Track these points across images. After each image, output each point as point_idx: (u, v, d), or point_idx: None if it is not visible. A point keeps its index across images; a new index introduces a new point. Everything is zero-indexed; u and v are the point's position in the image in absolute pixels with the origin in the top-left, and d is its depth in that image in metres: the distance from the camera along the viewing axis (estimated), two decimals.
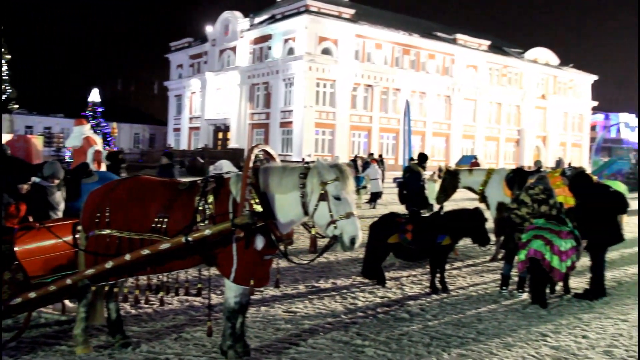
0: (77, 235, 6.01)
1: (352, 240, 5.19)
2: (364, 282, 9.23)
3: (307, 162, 5.55)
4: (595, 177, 10.30)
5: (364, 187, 19.87)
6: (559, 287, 8.86)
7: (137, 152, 59.37)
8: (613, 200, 9.05)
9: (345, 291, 8.75)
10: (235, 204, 5.35)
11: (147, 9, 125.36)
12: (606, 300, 8.58)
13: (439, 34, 59.56)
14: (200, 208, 5.46)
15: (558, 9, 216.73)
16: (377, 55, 52.64)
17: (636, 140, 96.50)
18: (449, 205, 11.58)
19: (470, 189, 12.32)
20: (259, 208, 5.25)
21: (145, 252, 5.30)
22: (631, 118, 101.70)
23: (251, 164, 5.34)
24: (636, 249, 13.21)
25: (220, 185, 5.59)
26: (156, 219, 5.48)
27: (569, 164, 42.78)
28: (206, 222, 5.38)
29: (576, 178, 9.41)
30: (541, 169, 13.64)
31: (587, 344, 6.66)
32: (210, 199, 5.48)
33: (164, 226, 5.46)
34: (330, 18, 49.91)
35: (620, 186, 15.44)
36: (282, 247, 5.54)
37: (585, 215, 8.59)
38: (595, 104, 73.62)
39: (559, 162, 46.30)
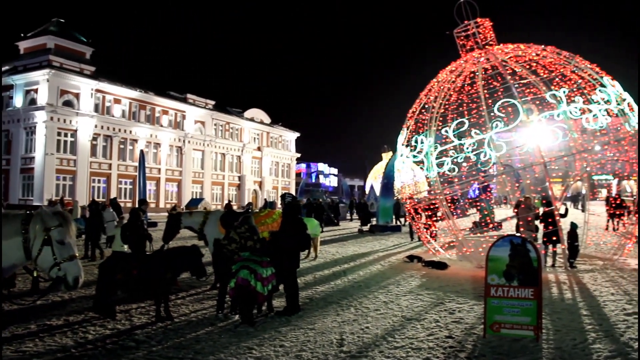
0: None
1: (76, 280, 4.98)
2: (95, 316, 8.68)
3: (29, 211, 5.15)
4: None
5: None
6: (265, 307, 9.19)
7: None
8: (296, 241, 9.51)
9: (77, 326, 8.16)
10: None
11: None
12: (300, 314, 9.10)
13: (172, 92, 59.41)
14: None
15: (269, 76, 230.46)
16: (116, 109, 50.52)
17: (330, 184, 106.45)
18: (178, 242, 11.55)
19: (190, 228, 12.33)
20: None
21: None
22: (325, 167, 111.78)
23: None
24: (326, 271, 14.40)
25: None
26: None
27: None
28: None
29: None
30: (250, 210, 14.20)
31: (283, 351, 7.06)
32: None
33: None
34: (72, 73, 46.68)
35: (313, 222, 16.92)
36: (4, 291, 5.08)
37: (275, 250, 9.12)
38: (299, 155, 79.01)
39: (266, 203, 48.72)
